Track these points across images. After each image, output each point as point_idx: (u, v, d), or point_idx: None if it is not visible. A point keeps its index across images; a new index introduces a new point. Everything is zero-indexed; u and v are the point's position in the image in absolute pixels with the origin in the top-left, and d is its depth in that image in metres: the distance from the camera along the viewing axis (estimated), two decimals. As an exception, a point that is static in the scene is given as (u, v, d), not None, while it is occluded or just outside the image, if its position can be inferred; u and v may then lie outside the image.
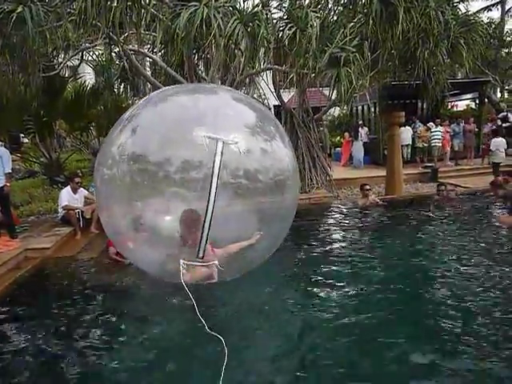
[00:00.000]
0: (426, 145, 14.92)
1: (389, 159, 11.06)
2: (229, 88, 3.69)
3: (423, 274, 5.39)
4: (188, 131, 2.74)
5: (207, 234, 2.66)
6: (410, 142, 15.29)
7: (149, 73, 13.35)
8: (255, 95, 15.74)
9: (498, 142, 12.12)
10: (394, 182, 10.80)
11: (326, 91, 14.10)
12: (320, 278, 5.37)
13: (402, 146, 12.64)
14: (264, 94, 13.69)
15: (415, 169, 14.02)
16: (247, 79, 11.48)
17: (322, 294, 4.86)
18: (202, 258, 2.74)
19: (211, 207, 2.66)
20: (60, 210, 8.14)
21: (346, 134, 17.12)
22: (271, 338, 4.06)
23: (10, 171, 7.18)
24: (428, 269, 5.55)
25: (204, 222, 2.65)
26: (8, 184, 6.99)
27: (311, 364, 3.56)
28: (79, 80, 12.32)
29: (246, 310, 4.59)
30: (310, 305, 4.61)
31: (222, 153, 2.70)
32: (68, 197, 7.99)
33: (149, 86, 13.28)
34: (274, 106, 19.73)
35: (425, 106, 17.56)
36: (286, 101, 12.40)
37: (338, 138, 19.40)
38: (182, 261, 2.75)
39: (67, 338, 4.22)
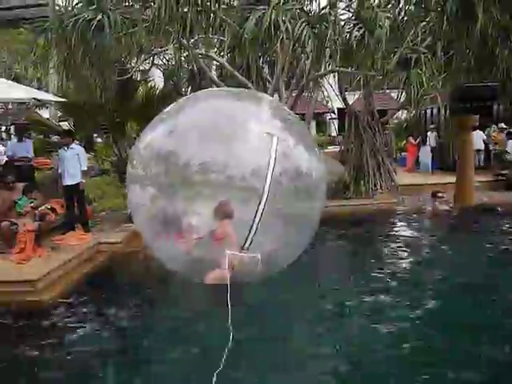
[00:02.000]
0: (501, 149, 13.87)
1: (460, 165, 10.48)
2: (270, 98, 3.70)
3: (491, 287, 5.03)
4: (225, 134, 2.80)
5: (257, 225, 2.72)
6: (483, 148, 14.32)
7: (215, 76, 13.68)
8: (319, 98, 15.63)
9: None
10: (465, 189, 10.19)
11: (394, 93, 13.69)
12: (378, 288, 5.19)
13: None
14: (328, 97, 13.51)
15: (487, 176, 13.16)
16: (312, 81, 11.39)
17: (378, 307, 4.70)
18: (248, 249, 2.83)
19: (264, 199, 2.71)
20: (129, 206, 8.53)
21: (411, 138, 16.47)
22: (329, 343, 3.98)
23: (86, 169, 7.64)
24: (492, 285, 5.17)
25: (256, 212, 2.70)
26: (83, 181, 7.44)
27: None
28: (150, 83, 12.84)
29: (308, 314, 4.56)
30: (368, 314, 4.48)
31: (276, 148, 2.77)
32: (137, 194, 8.35)
33: (215, 88, 13.60)
34: (338, 109, 19.47)
35: (501, 109, 16.43)
36: (350, 103, 12.17)
37: (405, 142, 18.70)
38: (228, 251, 2.84)
39: (134, 322, 4.45)
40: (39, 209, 6.75)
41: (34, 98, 8.48)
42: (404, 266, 5.93)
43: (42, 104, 14.54)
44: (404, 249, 6.80)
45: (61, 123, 15.92)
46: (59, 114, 16.40)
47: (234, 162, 2.82)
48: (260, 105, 3.22)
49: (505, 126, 13.97)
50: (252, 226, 2.78)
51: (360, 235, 7.82)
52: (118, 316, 4.76)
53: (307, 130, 3.56)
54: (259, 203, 2.73)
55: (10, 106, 15.86)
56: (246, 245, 2.87)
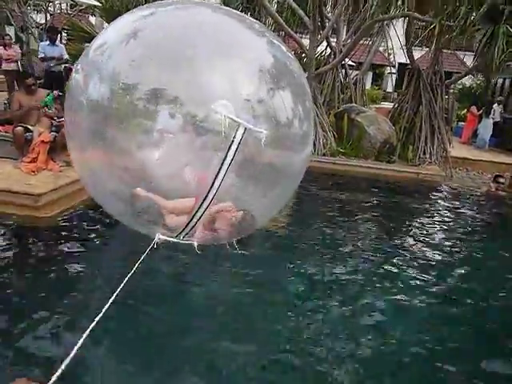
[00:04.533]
0: None
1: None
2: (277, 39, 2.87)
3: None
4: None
5: (198, 220, 2.23)
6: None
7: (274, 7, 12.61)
8: (381, 48, 14.26)
9: None
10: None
11: (462, 56, 12.20)
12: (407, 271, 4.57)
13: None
14: (392, 48, 12.22)
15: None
16: (376, 25, 10.15)
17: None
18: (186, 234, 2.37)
19: (211, 196, 2.16)
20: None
21: (474, 108, 14.93)
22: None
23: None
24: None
25: (199, 207, 2.19)
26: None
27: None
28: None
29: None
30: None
31: (240, 142, 2.12)
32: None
33: (270, 20, 12.53)
34: (399, 64, 17.88)
35: None
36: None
37: (465, 110, 17.12)
38: (158, 235, 2.35)
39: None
40: (58, 120, 6.31)
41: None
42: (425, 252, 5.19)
43: (84, 8, 13.83)
44: (438, 230, 6.06)
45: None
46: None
47: (201, 95, 2.14)
48: (257, 40, 2.46)
49: None
50: (192, 220, 2.29)
51: (394, 206, 7.08)
52: (117, 239, 4.49)
53: (304, 84, 2.74)
54: (203, 200, 2.21)
55: (50, 8, 15.24)
56: (184, 232, 2.40)
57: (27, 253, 4.18)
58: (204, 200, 2.29)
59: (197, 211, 2.33)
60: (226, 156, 2.15)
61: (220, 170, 2.17)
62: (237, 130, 2.08)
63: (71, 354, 1.63)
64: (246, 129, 2.06)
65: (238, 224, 2.75)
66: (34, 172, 5.54)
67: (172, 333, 3.21)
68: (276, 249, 4.88)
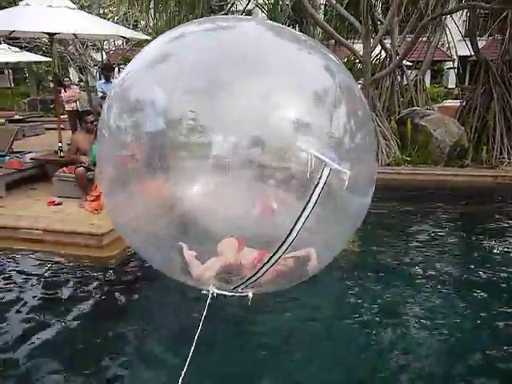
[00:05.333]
0: None
1: None
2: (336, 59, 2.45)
3: None
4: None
5: (262, 275, 1.94)
6: None
7: (321, 14, 12.33)
8: (439, 43, 13.45)
9: None
10: None
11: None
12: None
13: None
14: (453, 41, 11.43)
15: None
16: (434, 21, 9.50)
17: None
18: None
19: (283, 250, 1.85)
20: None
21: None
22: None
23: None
24: None
25: (269, 260, 1.89)
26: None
27: None
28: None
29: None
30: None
31: (325, 183, 1.79)
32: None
33: (318, 30, 12.25)
34: (459, 57, 16.76)
35: None
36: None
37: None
38: (212, 287, 2.05)
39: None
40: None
41: (122, 37, 7.99)
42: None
43: (137, 43, 14.29)
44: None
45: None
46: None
47: (231, 120, 1.90)
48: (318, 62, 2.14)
49: None
50: (255, 274, 2.01)
51: (473, 215, 6.43)
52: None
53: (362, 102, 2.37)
54: (273, 254, 1.92)
55: (105, 46, 15.96)
56: (240, 289, 2.12)
57: (93, 294, 4.13)
58: (281, 245, 1.95)
59: (271, 257, 2.01)
60: (310, 198, 1.82)
61: (302, 212, 1.83)
62: (322, 171, 1.78)
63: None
64: (331, 169, 1.75)
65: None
66: (97, 210, 5.59)
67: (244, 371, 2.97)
68: (351, 273, 4.50)
